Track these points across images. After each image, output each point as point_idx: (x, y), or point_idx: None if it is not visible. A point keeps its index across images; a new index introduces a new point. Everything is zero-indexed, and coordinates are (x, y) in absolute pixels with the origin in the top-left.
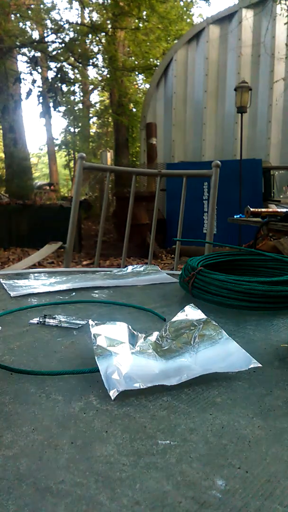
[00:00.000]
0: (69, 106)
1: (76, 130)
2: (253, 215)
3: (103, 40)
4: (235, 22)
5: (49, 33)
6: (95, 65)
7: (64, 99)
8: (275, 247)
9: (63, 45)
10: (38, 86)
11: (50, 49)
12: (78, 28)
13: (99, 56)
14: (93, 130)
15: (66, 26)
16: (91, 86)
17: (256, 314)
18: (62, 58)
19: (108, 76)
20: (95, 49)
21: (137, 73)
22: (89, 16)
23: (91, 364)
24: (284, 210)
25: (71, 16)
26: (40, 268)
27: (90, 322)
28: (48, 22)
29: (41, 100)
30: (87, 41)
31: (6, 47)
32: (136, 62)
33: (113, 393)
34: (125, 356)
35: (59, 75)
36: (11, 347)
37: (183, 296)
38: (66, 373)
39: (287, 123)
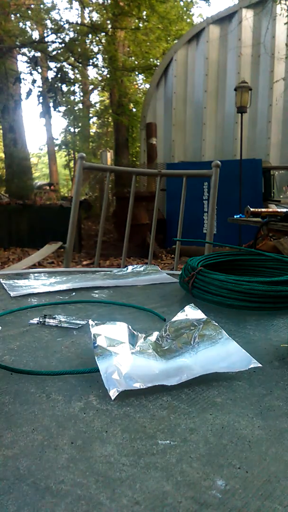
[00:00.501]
0: (69, 106)
1: (76, 130)
2: (253, 215)
3: (103, 40)
4: (235, 22)
5: (49, 33)
6: (95, 65)
7: (64, 99)
8: (275, 247)
9: (63, 45)
10: (38, 86)
11: (50, 49)
12: (78, 28)
13: (99, 56)
14: (93, 130)
15: (66, 26)
16: (91, 86)
17: (256, 314)
18: (62, 58)
19: (108, 76)
20: (95, 49)
21: (137, 73)
22: (89, 16)
23: (91, 364)
24: (284, 210)
25: (71, 16)
26: (40, 268)
27: (90, 322)
28: (48, 22)
29: (41, 100)
30: (87, 41)
31: (6, 47)
32: (136, 62)
33: (113, 393)
34: (125, 356)
35: (59, 75)
36: (11, 347)
37: (183, 296)
38: (66, 373)
39: (287, 123)
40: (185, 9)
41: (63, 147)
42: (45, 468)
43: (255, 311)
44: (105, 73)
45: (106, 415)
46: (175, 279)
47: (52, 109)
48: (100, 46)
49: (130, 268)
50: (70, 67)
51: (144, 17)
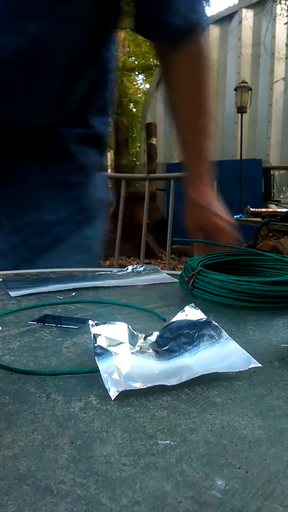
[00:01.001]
0: None
1: None
2: (253, 215)
3: None
4: (235, 22)
5: None
6: None
7: None
8: (275, 247)
9: None
10: None
11: None
12: None
13: None
14: None
15: None
16: None
17: (256, 314)
18: None
19: None
20: None
21: (137, 73)
22: None
23: (91, 364)
24: (284, 210)
25: None
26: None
27: (90, 322)
28: None
29: None
30: None
31: None
32: (136, 62)
33: (113, 393)
34: (125, 356)
35: None
36: (11, 347)
37: (183, 296)
38: (66, 373)
39: (287, 123)
40: None
41: None
42: (45, 468)
43: (255, 311)
44: None
45: (106, 415)
46: (175, 279)
47: None
48: None
49: (130, 268)
50: None
51: None
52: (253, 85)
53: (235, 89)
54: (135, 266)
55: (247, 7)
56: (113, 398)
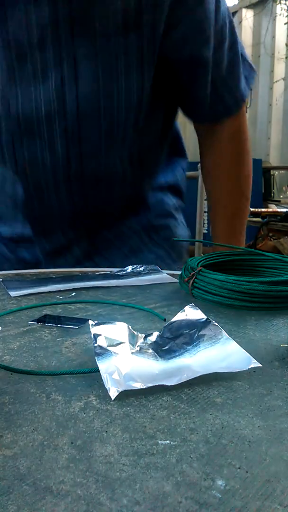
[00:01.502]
0: None
1: None
2: (253, 215)
3: None
4: (235, 22)
5: None
6: None
7: None
8: (275, 247)
9: None
10: None
11: None
12: None
13: None
14: None
15: None
16: None
17: (256, 314)
18: None
19: None
20: None
21: None
22: None
23: (91, 364)
24: (284, 210)
25: None
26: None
27: (90, 322)
28: None
29: None
30: None
31: None
32: None
33: (113, 393)
34: (125, 356)
35: None
36: (11, 347)
37: (183, 296)
38: (66, 373)
39: (287, 123)
40: None
41: None
42: (45, 468)
43: (255, 311)
44: None
45: (106, 415)
46: (175, 279)
47: None
48: None
49: (130, 268)
50: None
51: None
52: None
53: None
54: (135, 266)
55: (247, 7)
56: (113, 398)
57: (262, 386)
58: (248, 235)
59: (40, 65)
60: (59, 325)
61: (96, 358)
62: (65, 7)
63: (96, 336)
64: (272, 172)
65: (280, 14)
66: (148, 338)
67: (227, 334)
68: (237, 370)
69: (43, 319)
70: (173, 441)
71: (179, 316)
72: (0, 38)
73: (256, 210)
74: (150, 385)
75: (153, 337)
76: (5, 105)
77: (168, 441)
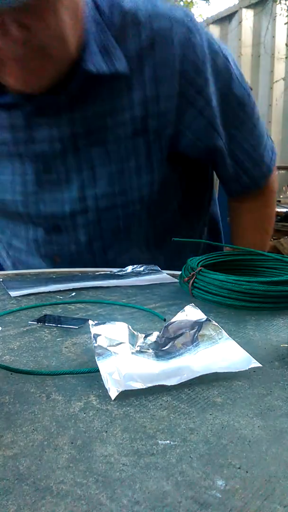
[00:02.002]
0: None
1: None
2: None
3: None
4: (235, 22)
5: None
6: None
7: None
8: (275, 247)
9: None
10: None
11: None
12: None
13: None
14: None
15: None
16: None
17: (256, 314)
18: None
19: None
20: None
21: None
22: None
23: (91, 364)
24: (284, 210)
25: None
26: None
27: (90, 322)
28: None
29: None
30: None
31: None
32: None
33: (113, 393)
34: (125, 356)
35: None
36: (11, 347)
37: (183, 296)
38: (66, 373)
39: (287, 123)
40: None
41: None
42: (45, 468)
43: (255, 311)
44: None
45: (106, 415)
46: (175, 279)
47: None
48: None
49: (130, 268)
50: None
51: None
52: (253, 85)
53: None
54: (135, 266)
55: (247, 7)
56: (113, 398)
57: (262, 386)
58: None
59: (63, 172)
60: (59, 325)
61: (96, 358)
62: (82, 124)
63: (96, 336)
64: None
65: (280, 14)
66: (148, 338)
67: (227, 334)
68: (237, 370)
69: (43, 319)
70: (173, 441)
71: (179, 316)
72: (29, 155)
73: None
74: (150, 385)
75: (153, 337)
76: (36, 208)
77: (168, 441)
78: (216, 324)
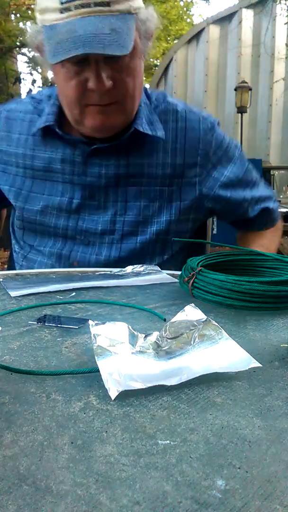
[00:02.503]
0: None
1: None
2: None
3: None
4: (235, 22)
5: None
6: None
7: None
8: None
9: None
10: (38, 86)
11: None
12: None
13: None
14: None
15: None
16: None
17: (256, 314)
18: None
19: None
20: None
21: None
22: None
23: (91, 364)
24: (284, 210)
25: None
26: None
27: (90, 322)
28: None
29: None
30: None
31: (6, 47)
32: None
33: (113, 393)
34: (125, 356)
35: None
36: (11, 347)
37: (183, 296)
38: (66, 373)
39: (287, 123)
40: (185, 9)
41: None
42: (45, 468)
43: (255, 311)
44: None
45: (106, 415)
46: (175, 279)
47: None
48: None
49: (130, 268)
50: None
51: None
52: (253, 85)
53: (235, 89)
54: (135, 266)
55: (247, 7)
56: (113, 398)
57: (262, 386)
58: None
59: (103, 201)
60: (59, 325)
61: (96, 358)
62: (125, 169)
63: (96, 336)
64: (272, 172)
65: (280, 14)
66: (148, 338)
67: (227, 334)
68: (237, 370)
69: (43, 319)
70: (173, 441)
71: (179, 316)
72: (80, 184)
73: None
74: (150, 385)
75: (153, 337)
76: (75, 224)
77: (168, 441)
78: (216, 324)
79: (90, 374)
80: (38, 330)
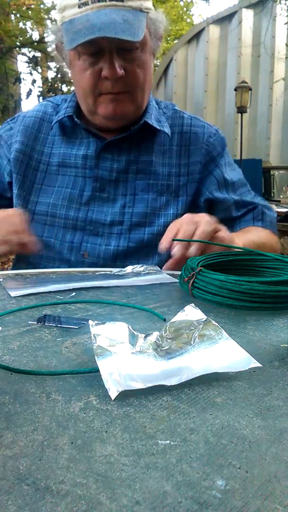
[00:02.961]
0: None
1: None
2: None
3: None
4: (235, 22)
5: (49, 33)
6: None
7: None
8: None
9: None
10: (38, 86)
11: (50, 49)
12: None
13: None
14: None
15: None
16: None
17: (256, 314)
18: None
19: None
20: None
21: None
22: None
23: (91, 364)
24: (284, 210)
25: None
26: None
27: (90, 322)
28: (48, 22)
29: (41, 100)
30: None
31: (6, 47)
32: None
33: (113, 393)
34: (125, 356)
35: (59, 75)
36: (11, 347)
37: (183, 296)
38: (66, 373)
39: (287, 123)
40: (185, 9)
41: None
42: (45, 468)
43: (255, 311)
44: None
45: (106, 415)
46: (175, 279)
47: None
48: None
49: (130, 268)
50: None
51: None
52: (253, 85)
53: (235, 89)
54: (135, 266)
55: (247, 7)
56: (113, 398)
57: (262, 386)
58: None
59: (113, 193)
60: (59, 325)
61: (96, 358)
62: (134, 165)
63: (96, 336)
64: (272, 172)
65: (280, 14)
66: (148, 338)
67: (227, 334)
68: (237, 370)
69: (43, 319)
70: (173, 441)
71: (179, 316)
72: (91, 177)
73: None
74: (150, 385)
75: (153, 337)
76: (85, 215)
77: (168, 441)
78: (216, 324)
79: (90, 374)
80: (38, 330)
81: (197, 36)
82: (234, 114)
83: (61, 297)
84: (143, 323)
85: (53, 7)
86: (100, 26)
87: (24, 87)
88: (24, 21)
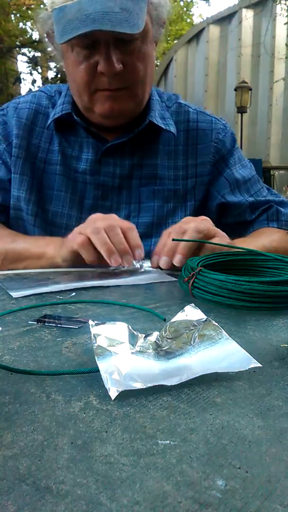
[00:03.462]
0: None
1: None
2: None
3: None
4: (235, 22)
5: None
6: None
7: None
8: None
9: None
10: (38, 86)
11: (50, 49)
12: None
13: None
14: None
15: None
16: None
17: (256, 314)
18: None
19: None
20: None
21: None
22: None
23: (91, 364)
24: None
25: None
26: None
27: (90, 322)
28: None
29: None
30: None
31: (6, 47)
32: None
33: (113, 393)
34: (125, 356)
35: (59, 75)
36: (11, 347)
37: (183, 296)
38: (66, 373)
39: (287, 123)
40: (185, 9)
41: None
42: (45, 468)
43: (255, 311)
44: None
45: (106, 415)
46: (175, 279)
47: None
48: None
49: (130, 267)
50: None
51: None
52: (253, 85)
53: (235, 89)
54: (135, 266)
55: (247, 7)
56: (113, 398)
57: (262, 386)
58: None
59: (116, 202)
60: (59, 325)
61: (96, 358)
62: (138, 169)
63: (96, 336)
64: (272, 172)
65: (280, 14)
66: (148, 338)
67: (227, 334)
68: (237, 370)
69: (43, 319)
70: (173, 441)
71: (179, 316)
72: (92, 183)
73: None
74: (150, 385)
75: (153, 337)
76: None
77: (168, 441)
78: (216, 324)
79: (90, 374)
80: (38, 330)
81: (197, 36)
82: (234, 114)
83: (61, 297)
84: (143, 323)
85: None
86: (95, 17)
87: (24, 87)
88: (24, 21)
